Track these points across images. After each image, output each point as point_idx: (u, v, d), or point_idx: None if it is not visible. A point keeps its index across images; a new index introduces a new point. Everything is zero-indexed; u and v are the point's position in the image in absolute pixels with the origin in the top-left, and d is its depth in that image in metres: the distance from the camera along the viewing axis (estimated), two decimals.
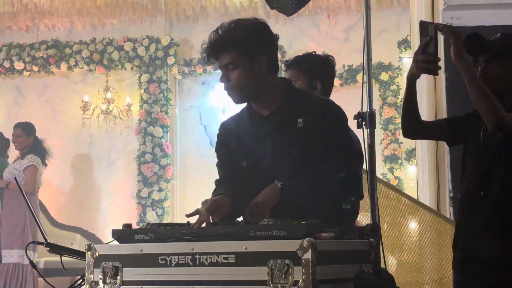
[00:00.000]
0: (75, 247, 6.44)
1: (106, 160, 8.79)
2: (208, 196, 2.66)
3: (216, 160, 2.78)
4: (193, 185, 8.44)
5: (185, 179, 8.60)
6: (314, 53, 3.49)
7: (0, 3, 8.24)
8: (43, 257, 7.02)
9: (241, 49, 2.53)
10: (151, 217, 8.26)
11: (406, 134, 2.99)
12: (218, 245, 2.12)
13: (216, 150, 2.79)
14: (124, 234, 2.31)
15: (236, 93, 2.61)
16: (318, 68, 3.34)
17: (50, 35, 8.88)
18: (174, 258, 2.16)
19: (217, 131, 2.79)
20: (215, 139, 8.78)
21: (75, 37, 8.84)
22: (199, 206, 7.45)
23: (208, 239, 2.18)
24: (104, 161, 8.79)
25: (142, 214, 8.34)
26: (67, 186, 8.79)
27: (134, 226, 2.27)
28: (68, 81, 8.94)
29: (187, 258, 2.14)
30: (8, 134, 8.16)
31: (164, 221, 8.18)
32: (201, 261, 2.12)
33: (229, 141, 2.71)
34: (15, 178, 5.82)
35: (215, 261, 2.10)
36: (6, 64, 8.81)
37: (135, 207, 8.44)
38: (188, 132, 8.67)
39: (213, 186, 2.78)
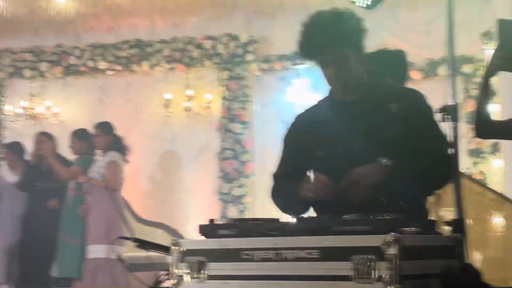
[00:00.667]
0: (158, 242, 6.55)
1: (188, 157, 8.91)
2: None
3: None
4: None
5: (265, 175, 8.58)
6: (385, 49, 3.48)
7: (83, 5, 8.45)
8: (127, 253, 7.15)
9: (345, 44, 2.57)
10: (232, 213, 8.34)
11: (480, 135, 2.93)
12: (301, 240, 2.13)
13: (286, 142, 2.80)
14: (208, 229, 2.35)
15: (342, 87, 2.64)
16: (388, 64, 3.32)
17: (132, 35, 9.06)
18: (257, 253, 2.18)
19: (291, 123, 2.80)
20: None
21: (156, 36, 8.99)
22: None
23: (291, 234, 2.19)
24: (185, 158, 8.91)
25: (223, 210, 8.42)
26: (150, 182, 8.95)
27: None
28: (150, 79, 9.09)
29: (271, 253, 2.16)
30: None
31: (245, 217, 8.24)
32: (285, 256, 2.14)
33: (304, 133, 2.73)
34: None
35: (298, 256, 2.12)
36: (90, 64, 9.04)
37: (216, 203, 8.53)
38: (267, 128, 8.70)
39: None
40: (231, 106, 8.56)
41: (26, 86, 9.33)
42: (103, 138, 7.03)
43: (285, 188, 2.71)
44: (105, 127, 7.12)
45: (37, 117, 9.13)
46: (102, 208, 6.79)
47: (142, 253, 2.84)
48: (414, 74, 7.71)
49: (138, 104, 9.09)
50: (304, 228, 2.18)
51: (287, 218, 2.44)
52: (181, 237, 8.28)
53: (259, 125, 8.72)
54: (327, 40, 2.56)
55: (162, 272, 2.50)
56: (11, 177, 7.74)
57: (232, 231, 2.29)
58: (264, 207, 8.33)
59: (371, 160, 2.47)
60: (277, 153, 8.89)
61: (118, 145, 7.05)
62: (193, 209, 8.75)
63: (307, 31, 2.60)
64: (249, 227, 2.27)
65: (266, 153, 8.63)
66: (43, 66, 9.16)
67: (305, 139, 2.72)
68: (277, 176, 2.75)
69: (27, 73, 9.24)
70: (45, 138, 7.60)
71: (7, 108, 9.30)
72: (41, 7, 8.46)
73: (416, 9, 8.12)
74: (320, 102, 2.77)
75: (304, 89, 8.35)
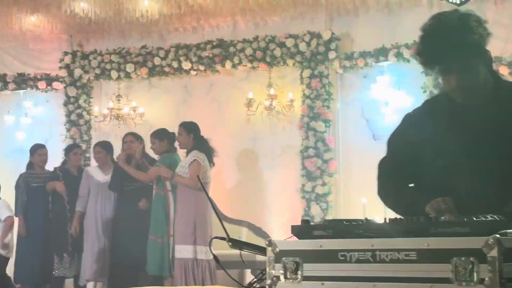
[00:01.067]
0: (243, 240, 6.60)
1: (270, 155, 8.95)
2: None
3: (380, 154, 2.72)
4: (356, 179, 8.41)
5: (348, 173, 8.59)
6: None
7: (167, 6, 8.59)
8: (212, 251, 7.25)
9: (471, 52, 2.39)
10: (316, 211, 8.33)
11: None
12: (398, 241, 2.11)
13: (394, 143, 2.72)
14: (303, 230, 2.35)
15: (468, 95, 2.49)
16: None
17: (214, 35, 9.16)
18: (354, 254, 2.16)
19: (400, 123, 2.69)
20: (377, 133, 8.67)
21: (238, 35, 9.06)
22: (363, 200, 7.38)
23: (388, 235, 2.17)
24: (268, 156, 8.95)
25: (306, 208, 8.42)
26: (233, 181, 9.03)
27: (300, 221, 2.30)
28: (232, 79, 9.17)
29: (368, 254, 2.14)
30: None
31: (329, 216, 8.21)
32: (382, 258, 2.12)
33: (416, 137, 2.60)
34: (197, 176, 6.02)
35: (396, 257, 2.09)
36: (175, 64, 9.18)
37: (299, 201, 8.54)
38: (350, 126, 8.65)
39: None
40: (313, 104, 8.54)
41: (113, 87, 9.57)
42: (187, 138, 7.12)
43: (393, 190, 2.65)
44: (188, 127, 7.20)
45: (122, 117, 9.34)
46: (188, 208, 6.88)
47: (227, 252, 2.87)
48: (502, 69, 7.52)
49: (221, 103, 9.19)
50: (401, 229, 2.16)
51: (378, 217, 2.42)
52: (265, 235, 8.33)
53: (342, 123, 8.68)
54: (451, 48, 2.35)
55: (259, 272, 2.50)
56: (101, 177, 7.93)
57: (327, 232, 2.28)
58: (348, 205, 8.37)
59: (494, 170, 2.38)
60: (360, 151, 8.82)
61: (202, 146, 7.10)
62: (276, 207, 8.79)
63: (428, 37, 2.39)
64: (345, 228, 2.26)
65: (349, 151, 8.60)
66: (129, 67, 9.35)
67: (420, 144, 2.57)
68: (384, 176, 2.66)
69: (114, 74, 9.45)
70: (133, 139, 7.78)
71: (95, 109, 9.54)
72: (126, 10, 8.65)
73: (503, 2, 7.91)
74: (431, 103, 2.62)
75: (388, 86, 8.26)
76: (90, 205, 7.88)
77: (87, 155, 9.25)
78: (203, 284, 6.54)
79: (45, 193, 8.13)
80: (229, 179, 8.97)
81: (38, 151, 8.37)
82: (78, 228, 7.82)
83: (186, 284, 6.61)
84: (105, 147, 8.08)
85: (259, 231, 8.40)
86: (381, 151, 8.96)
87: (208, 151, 7.11)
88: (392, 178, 2.67)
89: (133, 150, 7.70)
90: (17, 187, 8.25)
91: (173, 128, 7.86)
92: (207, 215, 6.98)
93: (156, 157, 7.71)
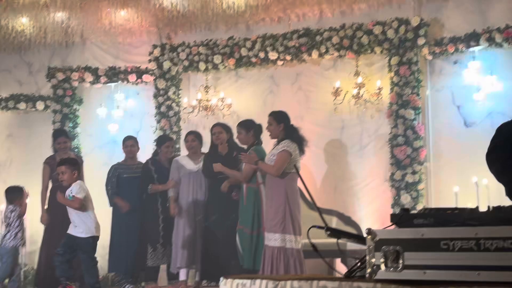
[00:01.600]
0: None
1: (358, 144, 8.89)
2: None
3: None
4: (446, 167, 8.28)
5: (439, 161, 8.44)
6: None
7: None
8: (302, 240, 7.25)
9: None
10: (406, 200, 8.22)
11: None
12: (503, 230, 2.08)
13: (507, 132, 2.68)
14: (403, 219, 2.34)
15: None
16: None
17: (301, 24, 9.15)
18: (457, 243, 2.14)
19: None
20: (469, 119, 8.49)
21: (325, 24, 9.02)
22: (455, 188, 7.27)
23: (490, 223, 2.14)
24: (356, 145, 8.89)
25: (396, 197, 8.33)
26: (322, 170, 9.00)
27: (389, 210, 2.27)
28: (319, 68, 9.13)
29: (471, 243, 2.12)
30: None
31: (419, 205, 8.10)
32: (486, 246, 2.09)
33: None
34: (295, 166, 6.00)
35: (501, 246, 2.06)
36: (261, 54, 9.21)
37: (388, 190, 8.45)
38: (441, 113, 8.49)
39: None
40: (402, 92, 8.42)
41: (201, 78, 9.69)
42: (277, 127, 7.12)
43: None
44: (278, 116, 7.20)
45: (210, 108, 9.45)
46: (278, 197, 6.91)
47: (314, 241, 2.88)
48: None
49: (308, 92, 9.17)
50: (506, 217, 2.12)
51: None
52: (354, 224, 8.30)
53: (431, 110, 8.53)
54: None
55: (357, 261, 2.51)
56: (192, 165, 8.05)
57: (428, 221, 2.26)
58: (439, 194, 8.23)
59: None
60: (451, 138, 8.62)
61: (292, 135, 7.09)
62: (365, 197, 8.73)
63: None
64: (447, 216, 2.24)
65: (440, 138, 8.45)
66: (216, 59, 9.45)
67: None
68: (498, 142, 2.66)
69: (202, 66, 9.57)
70: (221, 129, 7.87)
71: (184, 100, 9.69)
72: (213, 2, 8.75)
73: None
74: None
75: (480, 71, 8.07)
76: (182, 194, 8.02)
77: (177, 145, 9.40)
78: (293, 274, 6.54)
79: (135, 185, 8.29)
80: (317, 168, 8.96)
81: (125, 143, 8.57)
82: (177, 209, 7.93)
83: (275, 273, 6.62)
84: (198, 136, 8.21)
85: (348, 221, 8.37)
86: (473, 138, 8.90)
87: (299, 140, 7.09)
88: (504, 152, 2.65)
89: (221, 140, 7.80)
90: (108, 178, 8.46)
91: (260, 118, 7.92)
92: (297, 204, 6.98)
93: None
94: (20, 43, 10.10)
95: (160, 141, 8.50)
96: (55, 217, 8.26)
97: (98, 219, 7.16)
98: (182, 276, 7.93)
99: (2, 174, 10.35)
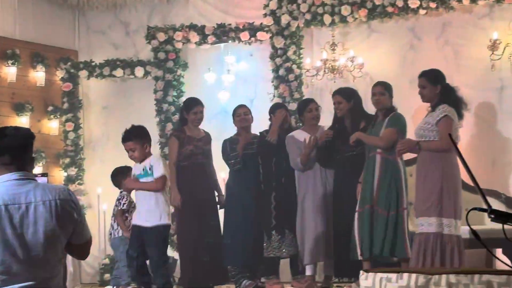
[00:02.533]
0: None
1: None
2: None
3: None
4: None
5: None
6: None
7: None
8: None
9: None
10: None
11: None
12: None
13: None
14: None
15: None
16: None
17: None
18: None
19: None
20: None
21: None
22: None
23: None
24: None
25: None
26: (474, 140, 8.77)
27: None
28: (471, 16, 8.93)
29: None
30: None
31: None
32: None
33: None
34: (449, 135, 5.91)
35: None
36: (399, 2, 9.06)
37: None
38: None
39: None
40: None
41: (326, 34, 9.64)
42: (433, 89, 7.01)
43: None
44: (433, 77, 7.09)
45: (338, 69, 9.39)
46: (433, 174, 6.82)
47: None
48: None
49: (458, 47, 9.00)
50: None
51: None
52: None
53: None
54: None
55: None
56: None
57: None
58: None
59: None
60: None
61: (450, 97, 7.00)
62: None
63: None
64: None
65: None
66: (345, 10, 9.37)
67: None
68: None
69: (327, 19, 9.51)
70: (340, 99, 7.81)
71: (306, 61, 9.67)
72: None
73: None
74: None
75: None
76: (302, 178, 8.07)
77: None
78: (449, 266, 6.44)
79: (254, 161, 8.34)
80: (470, 138, 8.71)
81: (237, 112, 8.58)
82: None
83: (428, 264, 6.53)
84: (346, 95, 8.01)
85: (511, 202, 8.17)
86: None
87: (457, 103, 7.00)
88: None
89: (342, 111, 7.80)
90: (226, 153, 8.48)
91: (399, 80, 7.83)
92: (457, 183, 6.88)
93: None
94: (115, 0, 10.37)
95: (271, 110, 8.48)
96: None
97: None
98: (309, 271, 7.97)
99: (98, 152, 10.71)
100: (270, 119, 8.43)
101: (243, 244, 8.24)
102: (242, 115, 8.54)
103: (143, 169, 7.02)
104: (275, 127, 8.24)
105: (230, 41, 10.11)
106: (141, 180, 7.08)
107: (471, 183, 8.07)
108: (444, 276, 2.38)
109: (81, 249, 3.74)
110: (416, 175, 7.08)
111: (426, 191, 6.87)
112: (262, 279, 8.44)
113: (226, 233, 8.42)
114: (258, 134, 8.46)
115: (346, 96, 7.87)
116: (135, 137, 7.02)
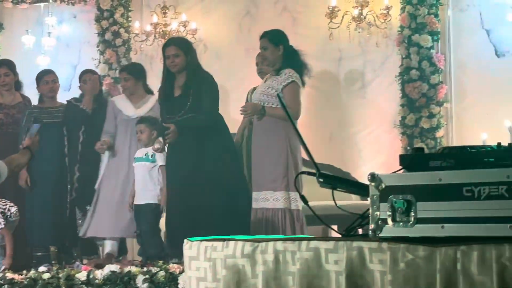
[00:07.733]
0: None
1: (360, 80, 8.92)
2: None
3: None
4: (472, 108, 8.33)
5: (462, 101, 8.49)
6: None
7: None
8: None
9: None
10: None
11: None
12: None
13: None
14: (415, 161, 2.35)
15: None
16: None
17: None
18: (484, 189, 2.17)
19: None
20: (502, 48, 8.52)
21: None
22: (482, 136, 7.31)
23: None
24: (357, 82, 8.92)
25: (408, 148, 8.38)
26: (312, 112, 8.96)
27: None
28: None
29: (502, 188, 2.14)
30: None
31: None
32: None
33: None
34: (278, 95, 5.93)
35: None
36: None
37: (398, 138, 8.50)
38: (465, 39, 8.52)
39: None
40: (416, 12, 8.42)
41: None
42: (276, 51, 6.87)
43: None
44: (274, 37, 6.97)
45: (169, 35, 9.37)
46: (278, 145, 6.69)
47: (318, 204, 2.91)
48: None
49: (296, 14, 9.16)
50: None
51: None
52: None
53: (454, 36, 8.55)
54: None
55: (357, 217, 2.53)
56: (131, 111, 7.96)
57: (447, 162, 2.28)
58: (462, 142, 8.27)
59: None
60: (478, 71, 8.66)
61: (294, 61, 6.89)
62: (368, 147, 8.79)
63: None
64: (470, 156, 2.26)
65: (464, 72, 8.49)
66: None
67: None
68: None
69: None
70: (177, 50, 7.39)
71: (135, 25, 9.60)
72: None
73: None
74: None
75: None
76: (118, 146, 7.81)
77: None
78: None
79: (58, 132, 8.04)
80: (307, 110, 8.90)
81: (44, 78, 8.23)
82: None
83: None
84: (133, 72, 7.86)
85: (347, 177, 8.40)
86: (507, 72, 8.90)
87: (301, 67, 6.92)
88: None
89: (179, 67, 7.31)
90: (21, 128, 8.09)
91: (234, 48, 7.88)
92: (299, 153, 6.75)
93: None
94: None
95: (81, 77, 8.12)
96: None
97: None
98: (108, 247, 7.69)
99: None
100: (80, 87, 8.16)
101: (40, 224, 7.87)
102: (50, 82, 8.19)
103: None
104: (89, 95, 7.98)
105: (51, 0, 9.90)
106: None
107: (307, 157, 8.33)
108: (271, 243, 2.43)
109: None
110: (254, 144, 6.96)
111: (271, 163, 6.73)
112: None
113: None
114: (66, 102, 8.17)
115: (184, 47, 7.23)
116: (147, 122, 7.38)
